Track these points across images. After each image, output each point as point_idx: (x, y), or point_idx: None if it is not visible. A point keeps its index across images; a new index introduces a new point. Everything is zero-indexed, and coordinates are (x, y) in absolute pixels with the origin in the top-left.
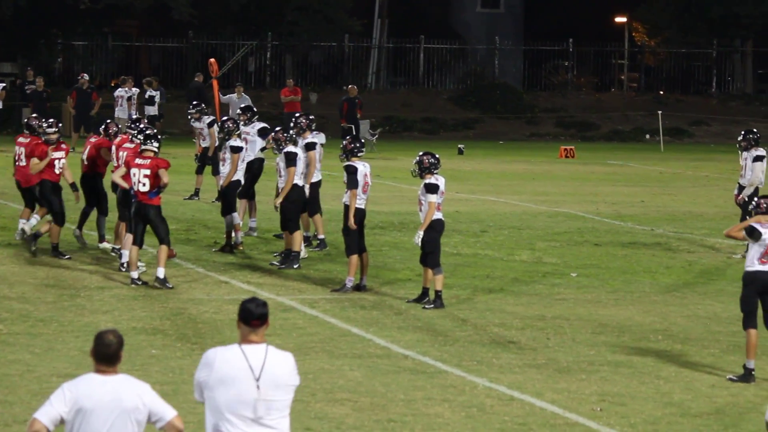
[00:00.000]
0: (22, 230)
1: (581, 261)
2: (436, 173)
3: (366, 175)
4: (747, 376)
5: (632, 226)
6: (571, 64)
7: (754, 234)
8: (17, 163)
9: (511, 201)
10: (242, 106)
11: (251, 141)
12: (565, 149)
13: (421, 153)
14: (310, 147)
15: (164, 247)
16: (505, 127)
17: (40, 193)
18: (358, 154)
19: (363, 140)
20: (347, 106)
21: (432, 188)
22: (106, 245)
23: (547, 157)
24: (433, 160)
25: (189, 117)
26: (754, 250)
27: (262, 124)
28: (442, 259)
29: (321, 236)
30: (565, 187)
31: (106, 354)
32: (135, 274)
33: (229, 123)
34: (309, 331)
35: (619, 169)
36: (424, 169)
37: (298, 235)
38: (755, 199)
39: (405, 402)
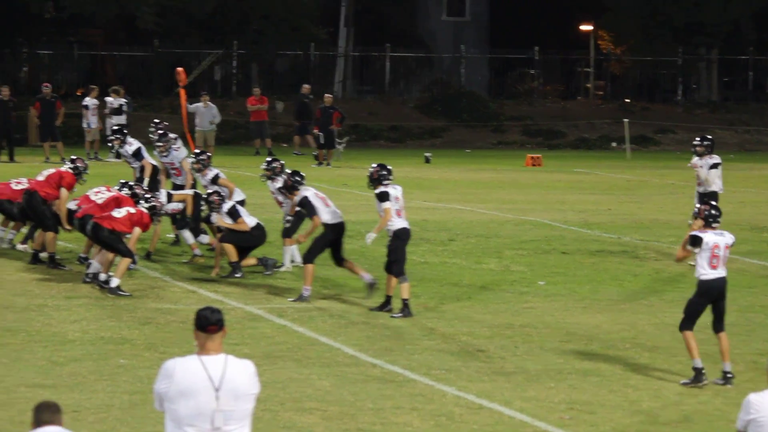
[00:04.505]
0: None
1: (549, 269)
2: (387, 183)
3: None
4: (698, 376)
5: (599, 234)
6: (536, 72)
7: (696, 242)
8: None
9: (478, 209)
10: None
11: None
12: (532, 157)
13: (372, 165)
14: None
15: (126, 260)
16: (472, 136)
17: (30, 204)
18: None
19: (337, 149)
20: (321, 114)
21: (382, 196)
22: (24, 247)
23: (513, 166)
24: (383, 171)
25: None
26: (702, 257)
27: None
28: (409, 268)
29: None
30: (532, 196)
31: None
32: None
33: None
34: (277, 340)
35: (585, 177)
36: (374, 181)
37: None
38: (697, 206)
39: (374, 411)
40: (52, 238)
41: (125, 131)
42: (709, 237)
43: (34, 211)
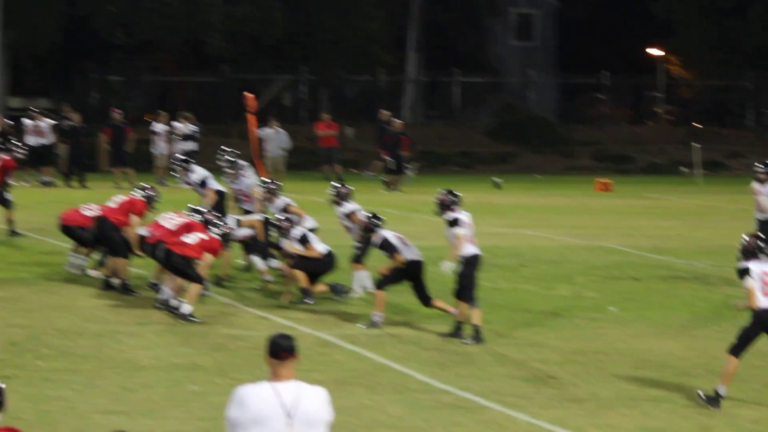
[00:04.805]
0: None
1: (620, 295)
2: (456, 209)
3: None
4: (715, 401)
5: (670, 259)
6: (606, 96)
7: (744, 273)
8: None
9: (549, 235)
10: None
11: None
12: (602, 182)
13: (440, 191)
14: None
15: (197, 286)
16: (541, 161)
17: (101, 230)
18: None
19: (407, 174)
20: (390, 139)
21: (454, 222)
22: (96, 274)
23: (583, 191)
24: (452, 197)
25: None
26: (756, 287)
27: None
28: (480, 294)
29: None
30: (603, 221)
31: None
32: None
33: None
34: (348, 366)
35: (656, 202)
36: (443, 207)
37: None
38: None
39: None
40: (123, 264)
41: (190, 160)
42: (755, 266)
43: (105, 237)
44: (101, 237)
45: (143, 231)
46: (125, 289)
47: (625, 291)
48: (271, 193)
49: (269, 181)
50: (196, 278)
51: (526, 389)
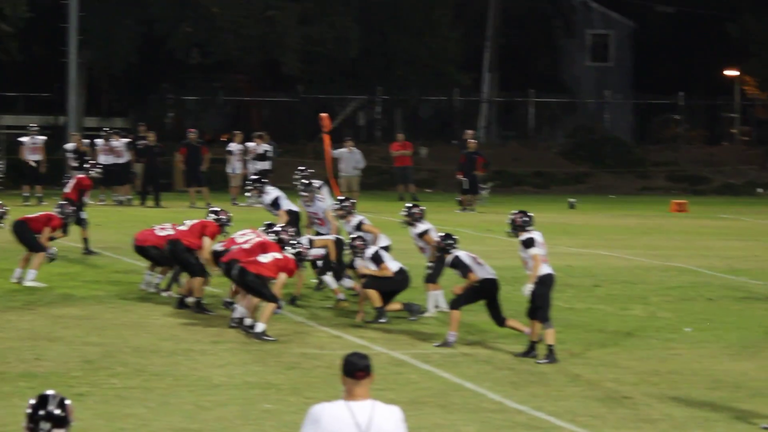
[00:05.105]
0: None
1: (695, 316)
2: (530, 229)
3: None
4: None
5: (746, 280)
6: (681, 117)
7: None
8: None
9: (624, 255)
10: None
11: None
12: (677, 203)
13: (513, 212)
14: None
15: (271, 305)
16: (616, 181)
17: (173, 252)
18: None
19: (481, 194)
20: (465, 159)
21: (528, 243)
22: (169, 294)
23: (658, 211)
24: (525, 218)
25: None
26: None
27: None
28: (554, 313)
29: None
30: (678, 241)
31: None
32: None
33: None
34: (422, 386)
35: (731, 223)
36: (517, 227)
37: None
38: None
39: None
40: (200, 283)
41: (263, 180)
42: None
43: (178, 258)
44: (173, 258)
45: (218, 246)
46: (199, 308)
47: (699, 312)
48: (345, 211)
49: (344, 198)
50: (271, 297)
51: (599, 409)
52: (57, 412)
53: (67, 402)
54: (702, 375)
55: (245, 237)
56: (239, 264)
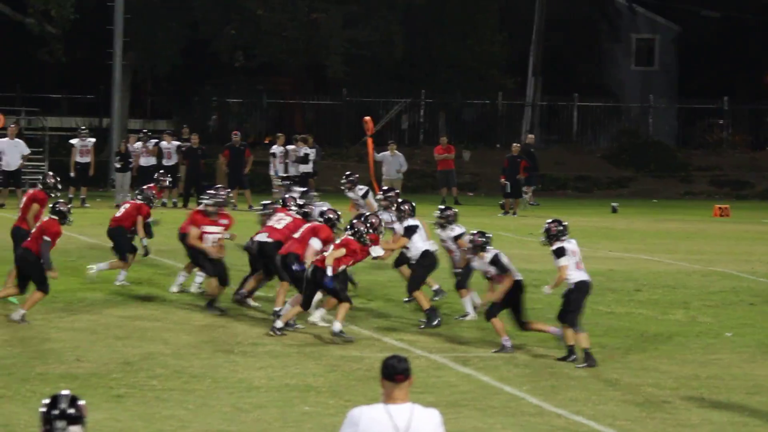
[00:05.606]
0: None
1: (736, 320)
2: (564, 239)
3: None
4: None
5: None
6: (725, 122)
7: None
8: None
9: (665, 260)
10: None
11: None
12: (720, 208)
13: (548, 221)
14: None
15: (345, 304)
16: (659, 186)
17: (192, 256)
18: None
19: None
20: (508, 163)
21: (559, 252)
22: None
23: (701, 216)
24: (560, 227)
25: (342, 187)
26: None
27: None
28: (595, 318)
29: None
30: (720, 246)
31: None
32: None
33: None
34: (461, 389)
35: None
36: (551, 237)
37: (420, 295)
38: None
39: None
40: (216, 285)
41: (355, 175)
42: None
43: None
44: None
45: (262, 237)
46: (211, 306)
47: (740, 316)
48: (389, 202)
49: (387, 189)
50: (345, 298)
51: (638, 414)
52: (70, 411)
53: (81, 402)
54: (742, 380)
55: (283, 222)
56: (315, 263)
